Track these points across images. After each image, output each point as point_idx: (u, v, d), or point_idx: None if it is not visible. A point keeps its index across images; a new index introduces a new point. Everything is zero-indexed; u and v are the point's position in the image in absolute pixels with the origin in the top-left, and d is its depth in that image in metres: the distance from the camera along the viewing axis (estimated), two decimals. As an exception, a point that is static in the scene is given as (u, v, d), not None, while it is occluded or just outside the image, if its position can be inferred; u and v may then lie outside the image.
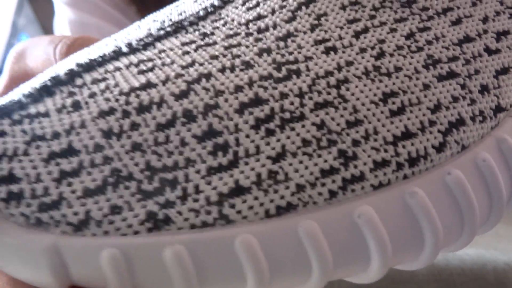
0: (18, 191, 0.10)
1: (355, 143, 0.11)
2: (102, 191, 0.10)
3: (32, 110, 0.11)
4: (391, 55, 0.12)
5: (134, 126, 0.11)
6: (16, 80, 0.19)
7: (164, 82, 0.11)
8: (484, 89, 0.13)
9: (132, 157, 0.10)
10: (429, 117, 0.12)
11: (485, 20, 0.13)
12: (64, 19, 0.52)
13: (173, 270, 0.10)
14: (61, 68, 0.12)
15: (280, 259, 0.10)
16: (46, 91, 0.11)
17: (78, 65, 0.12)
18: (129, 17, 0.52)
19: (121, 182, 0.10)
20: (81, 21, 0.51)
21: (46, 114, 0.11)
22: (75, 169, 0.10)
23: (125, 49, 0.12)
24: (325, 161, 0.11)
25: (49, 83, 0.12)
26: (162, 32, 0.13)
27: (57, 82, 0.12)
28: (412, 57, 0.12)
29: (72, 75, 0.12)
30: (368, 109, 0.11)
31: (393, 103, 0.12)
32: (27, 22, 1.29)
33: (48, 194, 0.10)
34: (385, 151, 0.11)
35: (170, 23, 0.13)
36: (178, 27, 0.13)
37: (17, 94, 0.12)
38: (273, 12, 0.13)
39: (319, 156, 0.11)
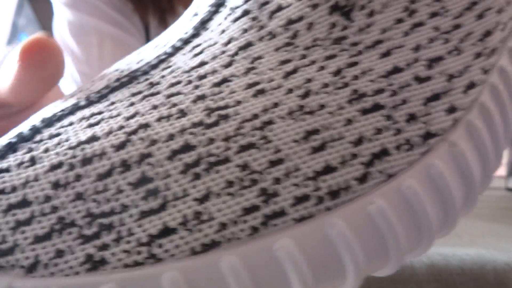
0: None
1: (276, 181, 0.12)
2: (49, 237, 0.11)
3: None
4: (317, 93, 0.13)
5: (78, 178, 0.12)
6: None
7: (107, 135, 0.12)
8: (411, 118, 0.13)
9: (75, 205, 0.11)
10: (351, 150, 0.12)
11: (416, 49, 0.14)
12: (63, 20, 0.52)
13: None
14: (28, 123, 0.13)
15: None
16: (10, 148, 0.13)
17: (42, 120, 0.13)
18: (127, 17, 0.52)
19: (65, 228, 0.11)
20: (80, 22, 0.51)
21: (7, 170, 0.12)
22: (28, 218, 0.11)
23: (82, 103, 0.14)
24: (247, 199, 0.12)
25: (13, 140, 0.13)
26: (117, 83, 0.14)
27: (20, 139, 0.13)
28: (336, 94, 0.13)
29: (34, 131, 0.13)
30: (290, 148, 0.12)
31: (315, 140, 0.12)
32: (27, 22, 1.29)
33: (5, 241, 0.11)
34: (306, 186, 0.12)
35: (127, 73, 0.14)
36: (131, 77, 0.14)
37: None
38: (214, 58, 0.14)
39: (242, 195, 0.12)
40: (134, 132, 0.12)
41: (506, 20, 0.15)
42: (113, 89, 0.14)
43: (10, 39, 1.27)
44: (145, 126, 0.12)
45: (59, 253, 0.11)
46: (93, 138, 0.12)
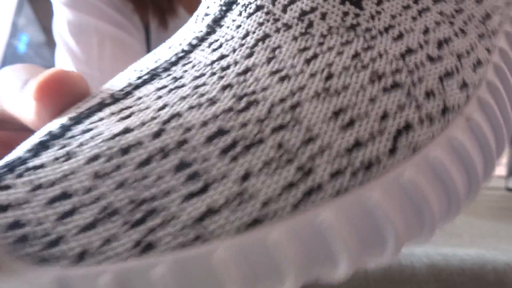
0: (23, 235, 0.12)
1: (311, 159, 0.12)
2: (94, 226, 0.12)
3: (31, 164, 0.13)
4: (339, 76, 0.13)
5: (117, 168, 0.12)
6: None
7: (140, 126, 0.13)
8: (429, 94, 0.14)
9: (116, 194, 0.12)
10: (378, 126, 0.13)
11: (426, 31, 0.15)
12: (62, 19, 0.52)
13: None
14: (56, 123, 0.14)
15: (254, 269, 0.12)
16: (42, 146, 0.13)
17: (69, 119, 0.14)
18: (127, 17, 0.52)
19: (109, 217, 0.12)
20: (79, 22, 0.51)
21: (42, 166, 0.12)
22: (70, 210, 0.12)
23: (108, 101, 0.14)
24: (285, 178, 0.12)
25: (44, 139, 0.13)
26: (139, 81, 0.15)
27: (51, 137, 0.13)
28: (357, 75, 0.14)
29: (64, 129, 0.13)
30: (320, 127, 0.13)
31: (342, 118, 0.13)
32: (27, 22, 1.29)
33: (48, 234, 0.12)
34: (339, 162, 0.12)
35: (147, 71, 0.15)
36: (153, 75, 0.15)
37: (19, 150, 0.13)
38: (233, 50, 0.14)
39: (279, 174, 0.12)
40: (167, 121, 0.13)
41: (502, 5, 0.17)
42: (136, 86, 0.14)
43: (10, 39, 1.27)
44: (177, 115, 0.13)
45: (106, 241, 0.11)
46: (127, 130, 0.13)
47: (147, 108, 0.13)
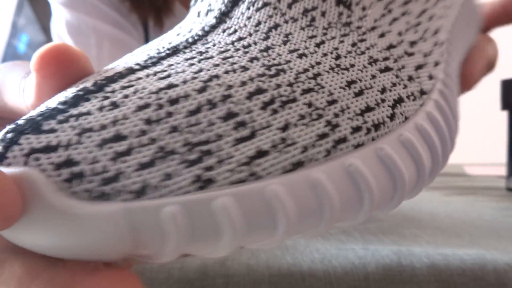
0: (79, 172, 0.12)
1: (336, 115, 0.15)
2: (154, 164, 0.12)
3: (74, 112, 0.13)
4: (345, 56, 0.17)
5: (169, 114, 0.13)
6: None
7: (184, 83, 0.14)
8: (410, 78, 0.18)
9: (172, 137, 0.13)
10: (380, 96, 0.16)
11: (400, 34, 0.19)
12: (60, 20, 0.52)
13: (221, 218, 0.12)
14: (82, 83, 0.14)
15: (301, 203, 0.14)
16: (80, 98, 0.14)
17: (101, 79, 0.14)
18: (125, 16, 0.52)
19: (167, 156, 0.13)
20: (77, 22, 0.51)
21: (88, 113, 0.13)
22: (127, 149, 0.12)
23: (136, 67, 0.15)
24: (318, 128, 0.14)
25: (80, 93, 0.14)
26: (163, 54, 0.16)
27: (87, 91, 0.14)
28: (359, 58, 0.17)
29: (99, 86, 0.14)
30: (339, 92, 0.15)
31: (354, 88, 0.16)
32: (27, 22, 1.29)
33: (107, 171, 0.12)
34: (357, 120, 0.15)
35: (166, 48, 0.16)
36: (174, 50, 0.16)
37: (51, 103, 0.14)
38: (250, 34, 0.16)
39: (313, 125, 0.14)
40: (208, 80, 0.14)
41: (440, 13, 0.21)
42: (161, 58, 0.15)
43: (10, 39, 1.27)
44: (216, 77, 0.14)
45: (167, 176, 0.12)
46: (171, 86, 0.14)
47: (183, 71, 0.14)
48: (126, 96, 0.13)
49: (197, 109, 0.13)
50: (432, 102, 0.18)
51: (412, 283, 0.26)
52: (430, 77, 0.19)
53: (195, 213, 0.12)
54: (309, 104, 0.15)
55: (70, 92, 0.14)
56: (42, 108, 0.14)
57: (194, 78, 0.14)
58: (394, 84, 0.17)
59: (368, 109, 0.16)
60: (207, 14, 0.18)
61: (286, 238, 0.14)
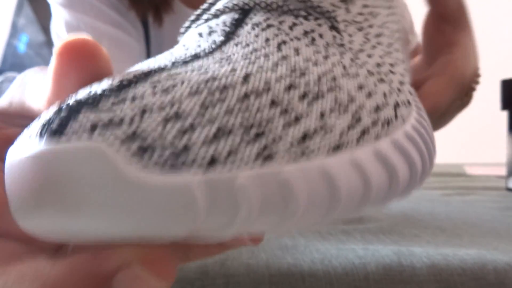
0: (148, 145, 0.12)
1: (357, 111, 0.17)
2: (217, 141, 0.13)
3: (127, 96, 0.13)
4: (350, 67, 0.19)
5: (221, 100, 0.14)
6: (12, 108, 0.19)
7: (224, 77, 0.15)
8: (399, 90, 0.20)
9: (227, 119, 0.13)
10: (383, 100, 0.18)
11: (381, 57, 0.22)
12: (60, 20, 0.52)
13: (291, 189, 0.13)
14: (124, 75, 0.14)
15: (348, 184, 0.15)
16: (127, 85, 0.14)
17: (140, 73, 0.14)
18: (124, 15, 0.52)
19: (227, 134, 0.13)
20: (76, 22, 0.51)
21: (142, 97, 0.13)
22: (189, 126, 0.13)
23: (169, 65, 0.15)
24: (346, 120, 0.16)
25: (125, 83, 0.14)
26: (187, 59, 0.16)
27: (129, 81, 0.14)
28: (361, 69, 0.19)
29: (146, 74, 0.14)
30: (354, 94, 0.17)
31: (364, 91, 0.18)
32: (27, 22, 1.29)
33: (174, 146, 0.12)
34: (373, 116, 0.17)
35: (189, 54, 0.17)
36: (196, 57, 0.17)
37: (90, 90, 0.14)
38: (263, 47, 0.18)
39: (342, 117, 0.16)
40: (246, 76, 0.15)
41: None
42: (185, 62, 0.16)
43: (10, 39, 1.27)
44: (250, 74, 0.15)
45: (231, 152, 0.13)
46: (214, 78, 0.14)
47: (218, 69, 0.15)
48: (174, 86, 0.14)
49: (245, 96, 0.14)
50: (416, 111, 0.21)
51: (412, 283, 0.26)
52: (410, 93, 0.22)
53: (264, 185, 0.13)
54: (335, 100, 0.16)
55: (109, 83, 0.14)
56: (84, 93, 0.13)
57: (233, 72, 0.15)
58: (391, 92, 0.19)
59: (378, 108, 0.18)
60: (210, 34, 0.19)
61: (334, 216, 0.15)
